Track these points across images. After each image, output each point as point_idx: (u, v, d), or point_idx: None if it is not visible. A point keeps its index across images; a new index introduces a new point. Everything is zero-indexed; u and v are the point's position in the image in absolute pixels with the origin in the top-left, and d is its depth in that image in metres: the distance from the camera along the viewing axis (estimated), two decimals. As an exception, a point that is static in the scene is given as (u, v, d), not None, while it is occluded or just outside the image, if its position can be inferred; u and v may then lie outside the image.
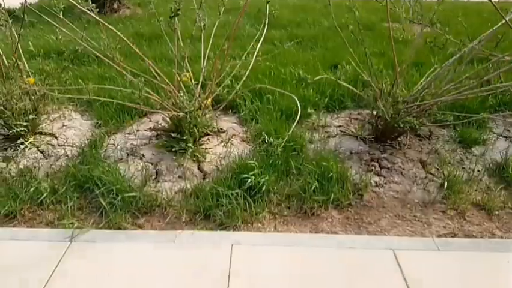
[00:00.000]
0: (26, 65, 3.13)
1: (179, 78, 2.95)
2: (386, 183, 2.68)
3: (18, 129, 2.97)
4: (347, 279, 2.00)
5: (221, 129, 3.26)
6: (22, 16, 2.92)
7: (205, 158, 2.90)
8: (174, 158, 2.89)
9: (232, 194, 2.47)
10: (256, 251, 2.17)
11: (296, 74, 3.85)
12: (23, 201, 2.49)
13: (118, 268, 2.07)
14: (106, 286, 1.96)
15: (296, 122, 2.79)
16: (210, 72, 3.06)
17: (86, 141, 3.07)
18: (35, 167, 2.81)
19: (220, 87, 3.13)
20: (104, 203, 2.43)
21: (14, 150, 2.96)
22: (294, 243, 2.23)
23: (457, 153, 3.01)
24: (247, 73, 3.10)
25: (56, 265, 2.07)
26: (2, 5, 2.87)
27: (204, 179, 2.73)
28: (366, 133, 3.13)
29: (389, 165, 2.82)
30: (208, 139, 3.13)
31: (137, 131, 3.27)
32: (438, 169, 2.81)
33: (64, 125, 3.33)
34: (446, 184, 2.62)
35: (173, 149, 2.93)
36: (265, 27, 3.05)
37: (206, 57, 3.10)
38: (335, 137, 3.17)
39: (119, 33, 2.68)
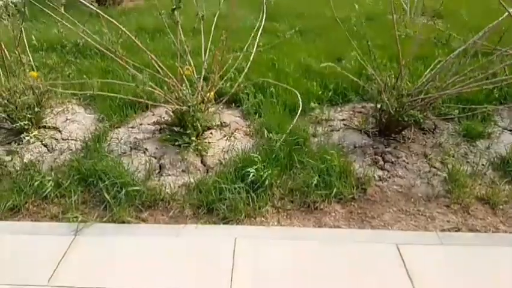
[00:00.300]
0: (31, 58, 3.12)
1: (181, 72, 2.94)
2: (389, 178, 2.66)
3: (22, 123, 2.97)
4: (350, 273, 2.00)
5: (224, 123, 3.25)
6: (23, 9, 2.90)
7: (208, 152, 2.90)
8: (177, 152, 2.89)
9: (235, 188, 2.47)
10: (260, 245, 2.17)
11: (302, 62, 3.76)
12: (27, 195, 2.49)
13: (122, 261, 2.08)
14: (111, 279, 1.97)
15: (297, 117, 2.78)
16: (211, 65, 3.04)
17: (90, 135, 3.07)
18: (39, 161, 2.81)
19: (223, 80, 3.11)
20: (108, 197, 2.44)
21: (18, 144, 2.96)
22: (297, 237, 2.23)
23: (461, 146, 2.99)
24: (248, 65, 3.07)
25: (61, 258, 2.08)
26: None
27: (207, 173, 2.73)
28: (370, 127, 3.11)
29: (393, 159, 2.80)
30: (211, 133, 3.12)
31: (141, 125, 3.26)
32: (442, 163, 2.79)
33: (67, 119, 3.33)
34: (450, 178, 2.61)
35: (177, 143, 2.92)
36: (264, 16, 3.01)
37: (208, 50, 3.08)
38: (338, 130, 3.16)
39: (121, 27, 2.66)
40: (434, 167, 2.77)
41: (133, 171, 2.67)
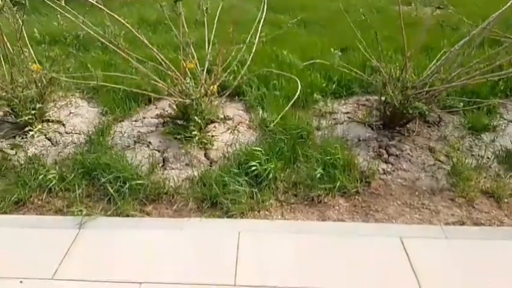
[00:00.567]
0: (32, 51, 3.11)
1: (184, 65, 2.92)
2: (393, 171, 2.65)
3: (26, 117, 2.98)
4: (353, 266, 1.99)
5: (227, 116, 3.24)
6: (24, 2, 2.88)
7: (211, 146, 2.89)
8: (181, 145, 2.88)
9: (238, 182, 2.46)
10: (263, 238, 2.18)
11: (306, 53, 3.73)
12: (31, 188, 2.50)
13: (127, 255, 2.09)
14: (115, 272, 1.98)
15: (292, 101, 2.74)
16: (215, 58, 3.02)
17: (93, 129, 3.07)
18: (43, 155, 2.82)
19: (226, 73, 3.09)
20: (112, 191, 2.44)
21: (22, 138, 2.97)
22: (301, 231, 2.23)
23: (466, 139, 2.96)
24: (251, 57, 3.05)
25: (66, 252, 2.09)
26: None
27: (210, 166, 2.73)
28: (374, 120, 3.09)
29: (397, 152, 2.79)
30: (214, 126, 3.11)
31: (144, 118, 3.26)
32: (447, 156, 2.78)
33: (71, 113, 3.33)
34: (454, 171, 2.59)
35: (180, 136, 2.92)
36: (265, 7, 2.99)
37: (211, 43, 3.06)
38: (342, 123, 3.14)
39: (123, 21, 2.64)
40: (439, 160, 2.75)
41: (137, 164, 2.67)
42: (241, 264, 2.00)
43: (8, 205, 2.41)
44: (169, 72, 2.86)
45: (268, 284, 1.91)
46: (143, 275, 1.96)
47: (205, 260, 2.05)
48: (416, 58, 3.08)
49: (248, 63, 3.02)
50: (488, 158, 2.75)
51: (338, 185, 2.45)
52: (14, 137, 3.00)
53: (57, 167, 2.65)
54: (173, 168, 2.71)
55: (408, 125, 3.03)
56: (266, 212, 2.38)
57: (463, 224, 2.28)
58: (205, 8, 2.79)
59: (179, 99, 2.87)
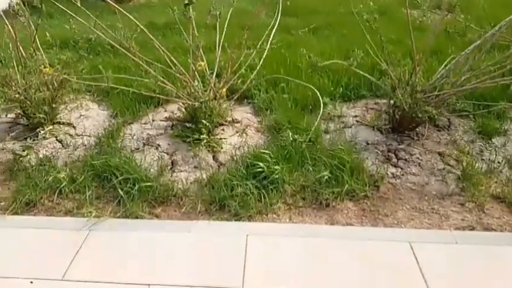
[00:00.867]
0: (43, 55, 3.14)
1: (194, 68, 2.93)
2: (403, 175, 2.63)
3: (38, 119, 3.01)
4: (362, 271, 1.98)
5: (235, 119, 3.25)
6: (40, 6, 2.93)
7: (220, 148, 2.89)
8: (189, 148, 2.89)
9: (246, 185, 2.46)
10: (272, 241, 2.17)
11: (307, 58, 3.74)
12: (42, 190, 2.52)
13: (135, 256, 2.09)
14: (124, 274, 1.98)
15: (320, 115, 2.75)
16: (224, 61, 3.03)
17: (103, 131, 3.09)
18: (54, 157, 2.85)
19: (235, 76, 3.10)
20: (121, 192, 2.46)
21: (34, 140, 3.00)
22: (309, 235, 2.21)
23: (476, 144, 2.93)
24: (261, 62, 3.06)
25: (75, 253, 2.10)
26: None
27: (218, 169, 2.73)
28: (383, 123, 3.08)
29: (406, 156, 2.77)
30: (223, 129, 3.12)
31: (153, 121, 3.27)
32: (456, 160, 2.75)
33: (81, 115, 3.36)
34: (464, 176, 2.56)
35: (189, 139, 2.93)
36: (279, 16, 2.99)
37: (220, 47, 3.07)
38: (350, 127, 3.12)
39: (137, 22, 2.67)
40: (449, 165, 2.72)
41: (146, 167, 2.68)
42: (249, 268, 2.00)
43: (19, 206, 2.44)
44: (179, 75, 2.88)
45: (276, 288, 1.90)
46: (152, 276, 1.97)
47: (213, 263, 2.04)
48: (425, 62, 3.06)
49: (258, 68, 3.02)
50: (499, 162, 2.72)
51: (346, 188, 2.44)
52: (26, 138, 3.03)
53: (67, 169, 2.68)
54: (181, 171, 2.72)
55: (417, 129, 3.01)
56: (274, 215, 2.37)
57: (473, 229, 2.25)
58: (218, 13, 2.80)
59: (188, 102, 2.88)
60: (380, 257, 2.06)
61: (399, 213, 2.37)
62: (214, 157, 2.84)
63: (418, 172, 2.66)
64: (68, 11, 2.71)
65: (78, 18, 2.74)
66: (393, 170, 2.67)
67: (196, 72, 2.95)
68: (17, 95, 2.92)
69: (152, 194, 2.47)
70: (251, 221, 2.32)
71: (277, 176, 2.49)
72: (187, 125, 3.03)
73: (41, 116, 3.00)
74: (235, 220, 2.33)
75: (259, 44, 3.12)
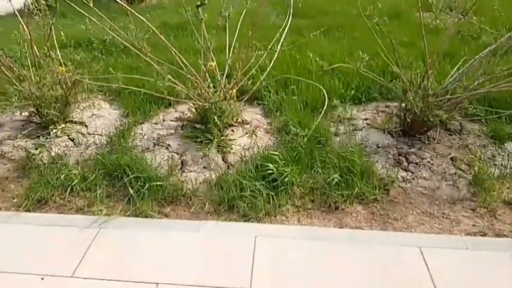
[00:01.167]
0: (59, 54, 3.18)
1: (204, 69, 2.94)
2: (413, 179, 2.60)
3: (50, 117, 3.06)
4: (371, 275, 1.96)
5: (245, 120, 3.25)
6: (54, 5, 2.97)
7: (229, 149, 2.90)
8: (199, 148, 2.90)
9: (255, 186, 2.46)
10: (280, 243, 2.16)
11: (316, 61, 3.73)
12: (54, 187, 2.56)
13: (145, 255, 2.11)
14: (133, 272, 2.00)
15: (322, 113, 2.74)
16: (235, 62, 3.04)
17: (115, 130, 3.12)
18: (65, 155, 2.88)
19: (246, 77, 3.10)
20: (131, 191, 2.47)
21: (46, 138, 3.04)
22: (317, 237, 2.20)
23: (488, 148, 2.89)
24: (272, 63, 3.05)
25: (85, 251, 2.12)
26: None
27: (228, 170, 2.73)
28: (393, 126, 3.05)
29: (417, 160, 2.74)
30: (232, 130, 3.12)
31: (164, 121, 3.29)
32: (468, 165, 2.71)
33: (93, 114, 3.40)
34: (476, 181, 2.53)
35: (199, 140, 2.94)
36: (290, 18, 2.99)
37: (232, 48, 3.08)
38: (361, 130, 3.10)
39: (149, 24, 2.69)
40: (460, 169, 2.69)
41: (156, 166, 2.70)
42: (257, 269, 1.99)
43: (31, 203, 2.47)
44: (190, 76, 2.89)
45: (284, 290, 1.89)
46: (160, 275, 1.98)
47: (221, 263, 2.05)
48: (438, 65, 3.03)
49: (269, 69, 3.02)
50: (511, 167, 2.67)
51: (356, 191, 2.43)
52: (38, 137, 3.07)
53: (79, 167, 2.71)
54: (191, 171, 2.73)
55: (428, 133, 2.98)
56: (283, 217, 2.36)
57: (484, 235, 2.22)
58: (227, 14, 2.81)
59: (199, 103, 2.89)
60: (390, 261, 2.04)
61: (409, 218, 2.34)
62: (223, 158, 2.84)
63: (429, 176, 2.63)
64: (82, 11, 2.73)
65: (92, 18, 2.77)
66: (403, 173, 2.64)
67: (206, 73, 2.96)
68: (30, 93, 2.96)
69: (162, 193, 2.48)
70: (260, 222, 2.32)
71: (286, 178, 2.48)
72: (197, 125, 3.05)
73: (53, 114, 3.04)
74: (244, 221, 2.33)
75: (270, 45, 3.12)
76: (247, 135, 3.07)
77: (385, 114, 3.29)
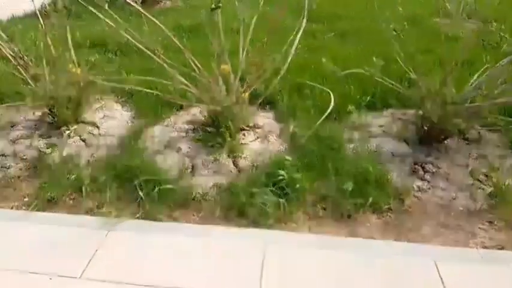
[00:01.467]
0: (73, 55, 3.25)
1: (217, 72, 2.97)
2: (429, 189, 2.57)
3: (63, 118, 3.11)
4: (382, 287, 1.94)
5: (257, 124, 3.26)
6: (70, 7, 3.03)
7: (240, 154, 2.91)
8: (210, 152, 2.92)
9: (266, 192, 2.46)
10: (290, 251, 2.16)
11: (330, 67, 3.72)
12: (64, 187, 2.60)
13: (153, 259, 2.12)
14: (141, 276, 2.02)
15: (325, 115, 2.73)
16: (248, 66, 3.05)
17: (126, 132, 3.16)
18: (77, 155, 2.93)
19: (259, 81, 3.11)
20: (141, 194, 2.50)
21: (58, 138, 3.09)
22: (329, 246, 2.19)
23: (507, 159, 2.84)
24: (285, 67, 3.06)
25: (94, 252, 2.15)
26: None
27: (238, 175, 2.74)
28: (410, 134, 3.02)
29: (434, 170, 2.71)
30: (244, 134, 3.13)
31: (175, 123, 3.32)
32: (486, 176, 2.67)
33: (105, 115, 3.44)
34: (494, 192, 2.49)
35: (210, 144, 2.96)
36: (304, 21, 3.00)
37: (245, 51, 3.10)
38: (376, 137, 3.08)
39: (163, 27, 2.73)
40: (478, 180, 2.64)
41: (167, 169, 2.72)
42: (266, 277, 1.99)
43: (41, 203, 2.52)
44: (202, 79, 2.92)
45: (293, 299, 1.89)
46: (168, 279, 1.99)
47: (230, 270, 2.05)
48: (456, 73, 3.00)
49: (282, 73, 3.03)
50: (532, 180, 2.63)
51: (369, 200, 2.41)
52: (51, 136, 3.13)
53: (90, 168, 2.75)
54: (201, 175, 2.74)
55: (446, 142, 2.94)
56: (293, 225, 2.36)
57: (502, 248, 2.18)
58: (242, 18, 2.83)
59: (211, 106, 2.91)
60: (403, 273, 2.02)
61: (424, 229, 2.32)
62: (234, 162, 2.85)
63: (445, 186, 2.60)
64: (97, 13, 2.79)
65: (106, 20, 2.82)
66: (419, 183, 2.62)
67: (219, 76, 2.99)
68: (44, 93, 3.02)
69: (171, 197, 2.50)
70: (270, 229, 2.32)
71: (298, 185, 2.48)
72: (209, 129, 3.06)
73: (66, 114, 3.10)
74: (254, 227, 2.33)
75: (284, 49, 3.13)
76: (259, 140, 3.08)
77: (401, 121, 3.26)
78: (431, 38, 4.59)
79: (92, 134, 3.20)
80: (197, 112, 3.36)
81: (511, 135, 3.02)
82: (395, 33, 2.87)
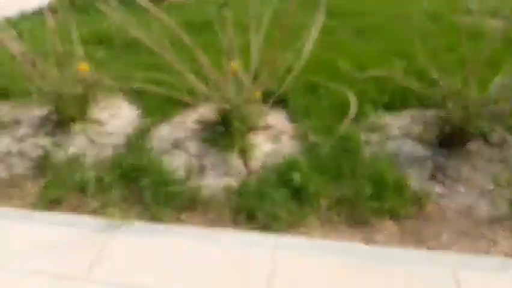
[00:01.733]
0: (81, 51, 3.29)
1: (228, 70, 2.97)
2: (449, 194, 2.54)
3: (69, 116, 3.16)
4: (400, 297, 1.93)
5: (269, 124, 3.26)
6: (77, 2, 3.08)
7: (251, 154, 2.91)
8: (219, 152, 2.92)
9: (277, 194, 2.46)
10: (302, 257, 2.15)
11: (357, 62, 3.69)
12: (69, 187, 2.63)
13: (158, 261, 2.13)
14: (146, 278, 2.03)
15: (348, 117, 2.72)
16: (260, 63, 3.06)
17: (133, 131, 3.19)
18: (82, 154, 2.96)
19: (271, 79, 3.11)
20: (147, 195, 2.52)
21: (64, 136, 3.13)
22: (343, 253, 2.18)
23: (533, 165, 2.80)
24: (300, 65, 3.06)
25: (98, 253, 2.17)
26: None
27: (248, 176, 2.74)
28: (430, 137, 2.99)
29: (454, 174, 2.67)
30: (255, 134, 3.13)
31: (183, 122, 3.34)
32: (509, 182, 2.63)
33: (111, 114, 3.48)
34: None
35: (219, 144, 2.96)
36: (322, 17, 2.99)
37: (258, 48, 3.10)
38: (394, 139, 3.05)
39: (171, 22, 2.74)
40: (500, 186, 2.61)
41: (174, 170, 2.74)
42: (275, 283, 1.99)
43: (45, 203, 2.55)
44: (212, 77, 2.93)
45: (305, 307, 1.88)
46: (174, 282, 2.00)
47: (238, 274, 2.05)
48: (480, 72, 2.97)
49: (296, 71, 3.02)
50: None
51: (386, 206, 2.39)
52: (56, 135, 3.17)
53: (95, 168, 2.78)
54: (210, 176, 2.75)
55: (468, 145, 2.91)
56: (306, 229, 2.35)
57: (525, 257, 2.15)
58: (254, 14, 2.84)
59: (220, 105, 2.92)
60: (421, 282, 1.99)
61: (444, 236, 2.29)
62: (244, 163, 2.85)
63: (466, 192, 2.56)
64: (104, 8, 2.82)
65: (113, 15, 2.86)
66: (439, 188, 2.59)
67: (230, 74, 2.99)
68: (51, 91, 3.06)
69: (178, 198, 2.52)
70: (281, 233, 2.31)
71: (311, 188, 2.47)
72: (218, 128, 3.07)
73: (72, 112, 3.14)
74: (264, 231, 2.33)
75: (298, 46, 3.12)
76: (271, 140, 3.08)
77: (421, 123, 3.23)
78: (452, 36, 4.55)
79: (99, 132, 3.24)
80: (206, 111, 3.37)
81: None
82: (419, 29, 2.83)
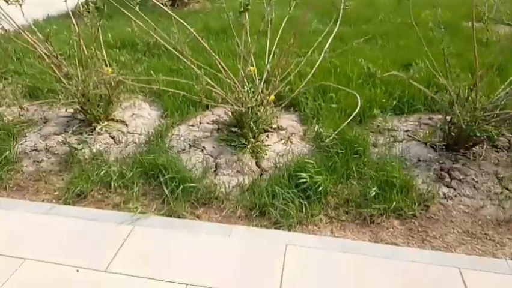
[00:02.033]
0: (105, 55, 3.32)
1: (243, 74, 2.97)
2: (455, 196, 2.49)
3: (93, 115, 3.19)
4: (405, 294, 1.89)
5: (281, 126, 3.24)
6: (102, 7, 3.10)
7: (264, 155, 2.90)
8: (233, 152, 2.93)
9: (288, 193, 2.45)
10: (311, 254, 2.13)
11: (365, 68, 3.65)
12: (93, 182, 2.66)
13: (175, 255, 2.15)
14: (164, 271, 2.04)
15: (351, 117, 2.69)
16: (274, 68, 3.05)
17: (153, 130, 3.21)
18: (106, 152, 3.00)
19: (284, 83, 3.10)
20: (166, 191, 2.53)
21: (89, 135, 3.18)
22: (350, 251, 2.15)
23: (539, 168, 2.72)
24: (313, 71, 3.03)
25: (119, 246, 2.19)
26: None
27: (261, 175, 2.73)
28: (437, 140, 2.93)
29: (461, 177, 2.62)
30: (267, 136, 3.12)
31: (200, 123, 3.35)
32: (516, 185, 2.56)
33: (133, 114, 3.51)
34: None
35: (233, 144, 2.97)
36: (337, 24, 2.97)
37: (272, 53, 3.09)
38: (401, 142, 3.01)
39: (190, 28, 2.75)
40: (507, 189, 2.55)
41: (191, 168, 2.75)
42: (286, 278, 1.98)
43: (71, 197, 2.58)
44: (228, 80, 2.93)
45: (313, 302, 1.86)
46: (190, 276, 2.00)
47: (250, 269, 2.05)
48: (487, 78, 2.90)
49: (309, 76, 3.00)
50: None
51: (393, 206, 2.35)
52: (81, 133, 3.21)
53: (117, 164, 2.80)
54: (224, 174, 2.75)
55: (474, 148, 2.85)
56: (315, 227, 2.33)
57: (532, 260, 2.09)
58: (269, 19, 2.83)
59: (235, 107, 2.92)
60: (426, 281, 1.96)
61: (450, 237, 2.24)
62: (257, 163, 2.85)
63: (473, 194, 2.51)
64: (128, 14, 2.84)
65: (137, 21, 2.88)
66: (445, 190, 2.54)
67: (245, 78, 2.99)
68: (76, 91, 3.10)
69: (195, 194, 2.52)
70: (291, 230, 2.30)
71: (320, 187, 2.45)
72: (233, 129, 3.07)
73: (97, 112, 3.18)
74: (275, 228, 2.32)
75: (310, 51, 3.10)
76: (282, 141, 3.06)
77: (428, 126, 3.18)
78: (461, 42, 4.46)
79: (121, 131, 3.27)
80: (222, 112, 3.37)
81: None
82: (432, 34, 2.77)
